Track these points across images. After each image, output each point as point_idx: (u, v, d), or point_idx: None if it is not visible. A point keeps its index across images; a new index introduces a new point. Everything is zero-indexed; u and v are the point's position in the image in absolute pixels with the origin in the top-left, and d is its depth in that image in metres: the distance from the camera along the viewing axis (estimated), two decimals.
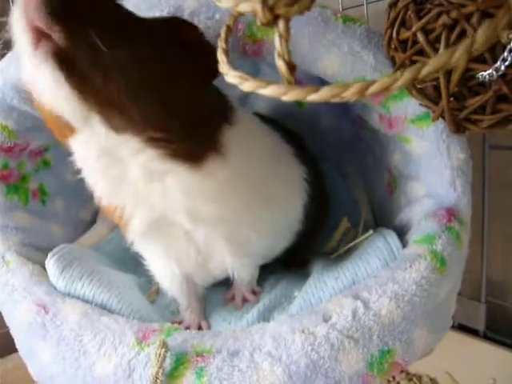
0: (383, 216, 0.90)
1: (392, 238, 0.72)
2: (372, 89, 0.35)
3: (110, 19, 0.54)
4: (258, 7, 0.37)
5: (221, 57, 0.46)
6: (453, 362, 0.98)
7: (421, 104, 0.64)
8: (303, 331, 0.58)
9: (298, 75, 0.62)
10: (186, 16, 0.71)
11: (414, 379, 1.02)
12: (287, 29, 0.39)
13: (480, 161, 0.96)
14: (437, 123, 0.70)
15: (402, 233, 0.76)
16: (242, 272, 0.76)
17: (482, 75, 0.55)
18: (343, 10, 1.07)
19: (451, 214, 0.72)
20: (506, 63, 0.52)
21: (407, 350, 0.62)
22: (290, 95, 0.37)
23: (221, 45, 0.48)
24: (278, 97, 0.37)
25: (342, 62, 0.69)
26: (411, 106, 0.70)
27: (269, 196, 0.68)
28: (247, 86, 0.39)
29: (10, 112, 0.79)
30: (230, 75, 0.42)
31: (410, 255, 0.67)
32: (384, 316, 0.60)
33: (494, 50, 0.53)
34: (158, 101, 0.55)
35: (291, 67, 0.40)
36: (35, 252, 0.82)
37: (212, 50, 0.57)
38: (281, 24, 0.39)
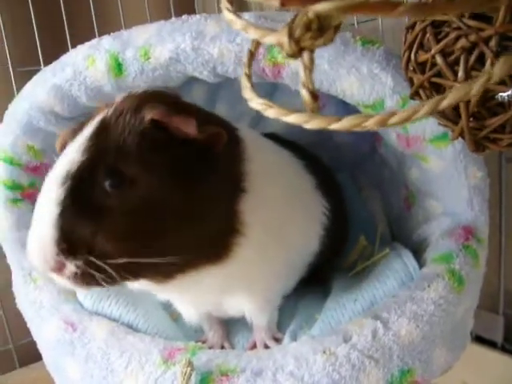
0: (400, 230, 0.91)
1: (408, 258, 0.73)
2: (393, 120, 0.36)
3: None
4: (285, 40, 0.38)
5: (244, 82, 0.46)
6: (470, 374, 0.98)
7: (440, 123, 0.65)
8: (324, 352, 0.60)
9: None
10: (207, 40, 0.72)
11: None
12: (311, 60, 0.40)
13: (497, 174, 0.97)
14: (454, 143, 0.71)
15: (419, 249, 0.78)
16: (259, 316, 0.76)
17: (501, 96, 0.55)
18: (358, 23, 1.08)
19: (468, 232, 0.73)
20: None
21: (426, 368, 0.64)
22: (312, 124, 0.38)
23: (244, 71, 0.48)
24: (301, 125, 0.38)
25: (361, 84, 0.70)
26: (429, 125, 0.71)
27: (286, 239, 0.69)
28: (271, 112, 0.40)
29: (37, 133, 0.81)
30: (254, 102, 0.42)
31: (428, 275, 0.68)
32: (403, 336, 0.61)
33: None
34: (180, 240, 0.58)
35: (314, 96, 0.40)
36: None
37: (212, 135, 0.58)
38: (305, 55, 0.40)
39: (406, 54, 0.64)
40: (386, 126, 0.37)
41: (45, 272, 0.55)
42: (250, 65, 0.50)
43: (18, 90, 0.84)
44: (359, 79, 0.69)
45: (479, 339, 1.01)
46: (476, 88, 0.35)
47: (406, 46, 0.64)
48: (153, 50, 0.73)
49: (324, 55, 0.70)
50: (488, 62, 0.54)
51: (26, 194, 0.83)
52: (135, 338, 0.66)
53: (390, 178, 0.94)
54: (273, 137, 0.77)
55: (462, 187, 0.73)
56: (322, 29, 0.39)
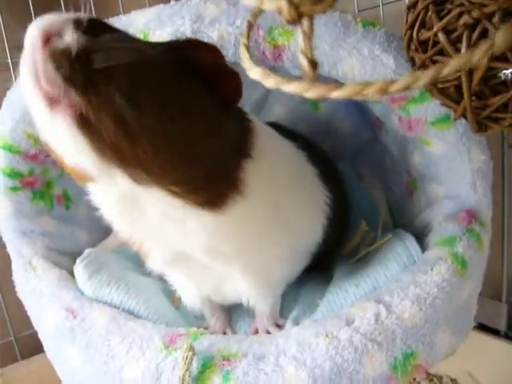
0: (402, 217, 0.91)
1: (411, 242, 0.73)
2: (394, 87, 0.35)
3: (129, 71, 0.50)
4: (284, 5, 0.38)
5: (243, 52, 0.46)
6: (474, 362, 0.98)
7: (442, 104, 0.64)
8: (327, 335, 0.59)
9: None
10: (206, 23, 0.72)
11: (435, 380, 1.02)
12: (311, 27, 0.39)
13: (499, 160, 0.96)
14: (457, 126, 0.70)
15: (422, 234, 0.77)
16: (261, 303, 0.76)
17: (504, 74, 0.55)
18: (359, 11, 1.07)
19: (472, 215, 0.72)
20: None
21: (430, 352, 0.63)
22: (312, 92, 0.37)
23: (243, 41, 0.48)
24: (301, 93, 0.37)
25: (362, 66, 0.69)
26: (431, 108, 0.70)
27: (288, 223, 0.68)
28: (270, 81, 0.39)
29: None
30: (253, 71, 0.41)
31: (431, 258, 0.67)
32: (406, 319, 0.61)
33: None
34: (181, 155, 0.54)
35: (314, 64, 0.40)
36: (61, 257, 0.83)
37: (231, 74, 0.58)
38: (305, 22, 0.39)
39: (408, 34, 0.64)
40: (387, 93, 0.36)
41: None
42: (248, 35, 0.49)
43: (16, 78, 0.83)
44: (360, 61, 0.69)
45: (482, 327, 1.01)
46: (478, 55, 0.34)
47: (407, 26, 0.63)
48: (152, 34, 0.73)
49: (325, 37, 0.69)
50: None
51: (25, 182, 0.82)
52: (136, 323, 0.66)
53: (392, 165, 0.93)
54: (274, 126, 0.76)
55: (465, 170, 0.72)
56: None
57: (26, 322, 0.77)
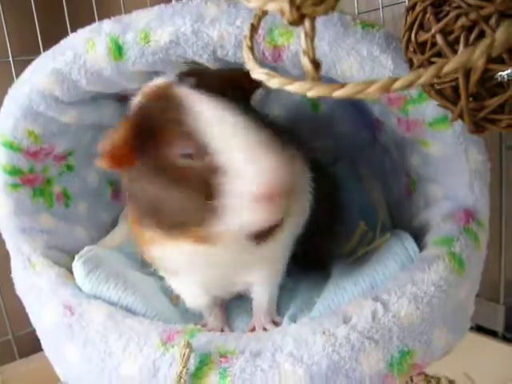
0: (401, 217, 0.91)
1: (409, 242, 0.73)
2: (396, 85, 0.35)
3: None
4: (286, 6, 0.38)
5: (247, 54, 0.46)
6: (471, 364, 0.98)
7: (439, 105, 0.65)
8: (324, 332, 0.59)
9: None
10: (207, 23, 0.72)
11: (433, 381, 1.02)
12: (313, 27, 0.40)
13: (497, 161, 0.96)
14: (454, 126, 0.71)
15: (420, 234, 0.77)
16: (262, 294, 0.78)
17: (500, 75, 0.55)
18: (359, 14, 1.08)
19: (469, 215, 0.72)
20: None
21: (427, 350, 0.63)
22: (315, 91, 0.37)
23: (246, 42, 0.48)
24: (304, 93, 0.38)
25: (360, 66, 0.69)
26: (429, 109, 0.70)
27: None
28: (274, 82, 0.40)
29: (37, 118, 0.80)
30: (257, 71, 0.42)
31: (429, 257, 0.68)
32: (403, 317, 0.61)
33: None
34: None
35: (316, 64, 0.40)
36: (60, 254, 0.84)
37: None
38: (307, 23, 0.39)
39: (407, 35, 0.64)
40: (389, 91, 0.36)
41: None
42: (251, 37, 0.50)
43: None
44: (359, 61, 0.69)
45: (480, 329, 1.01)
46: (479, 52, 0.35)
47: (406, 27, 0.64)
48: (153, 33, 0.73)
49: (324, 37, 0.70)
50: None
51: (25, 179, 0.83)
52: (134, 321, 0.66)
53: (391, 165, 0.94)
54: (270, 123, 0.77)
55: (463, 170, 0.72)
56: None
57: (25, 320, 0.77)
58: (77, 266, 0.74)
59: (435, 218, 0.76)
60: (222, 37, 0.72)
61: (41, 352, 0.76)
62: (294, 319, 0.73)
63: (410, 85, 0.36)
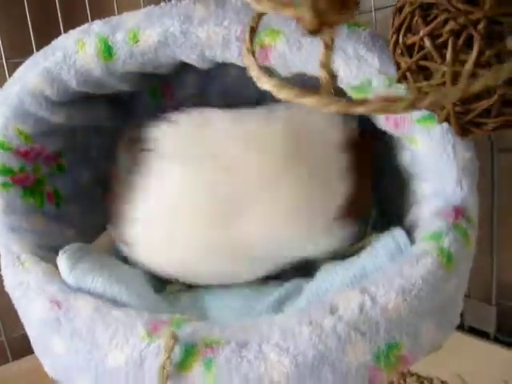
0: (393, 215, 0.91)
1: (400, 234, 0.74)
2: (423, 103, 0.35)
3: None
4: (307, 13, 0.34)
5: (249, 59, 0.43)
6: (463, 365, 0.97)
7: (425, 108, 0.65)
8: (311, 323, 0.59)
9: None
10: (195, 24, 0.73)
11: (426, 382, 1.01)
12: (333, 38, 0.38)
13: (489, 164, 0.97)
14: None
15: (410, 231, 0.77)
16: None
17: None
18: None
19: (458, 211, 0.72)
20: None
21: (415, 343, 0.63)
22: (333, 107, 0.34)
23: (246, 46, 0.46)
24: (321, 108, 0.35)
25: (346, 65, 0.70)
26: None
27: None
28: (285, 94, 0.36)
29: (27, 117, 0.81)
30: (263, 81, 0.38)
31: (418, 252, 0.68)
32: (391, 310, 0.61)
33: (500, 56, 0.54)
34: None
35: (333, 78, 0.38)
36: (50, 254, 0.83)
37: None
38: (328, 33, 0.37)
39: (394, 37, 0.64)
40: (415, 108, 0.35)
41: None
42: (251, 40, 0.48)
43: None
44: (345, 60, 0.70)
45: (472, 330, 1.01)
46: (506, 72, 0.34)
47: (393, 29, 0.64)
48: (142, 33, 0.74)
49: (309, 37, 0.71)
50: (476, 45, 0.54)
51: (16, 179, 0.83)
52: (120, 312, 0.66)
53: (382, 163, 0.94)
54: None
55: (451, 167, 0.72)
56: (345, 2, 0.35)
57: (18, 323, 0.77)
58: (61, 259, 0.74)
59: (424, 215, 0.76)
60: (209, 37, 0.73)
61: (34, 354, 0.75)
62: (282, 303, 0.74)
63: (436, 103, 0.35)
